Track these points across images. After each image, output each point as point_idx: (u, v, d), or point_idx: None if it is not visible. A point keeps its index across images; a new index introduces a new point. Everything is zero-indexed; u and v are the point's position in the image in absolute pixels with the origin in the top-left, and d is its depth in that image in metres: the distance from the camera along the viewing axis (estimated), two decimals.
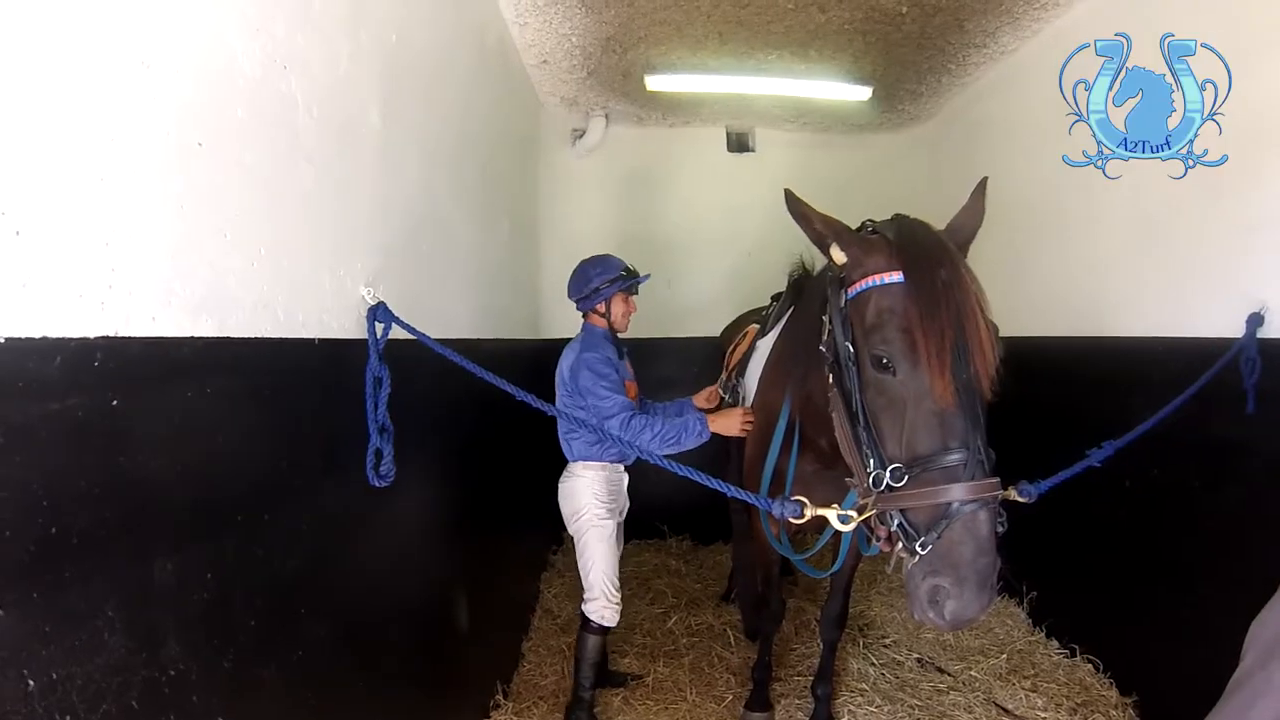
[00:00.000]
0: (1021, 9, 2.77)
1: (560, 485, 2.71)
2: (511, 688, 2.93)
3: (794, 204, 1.62)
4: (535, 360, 4.07)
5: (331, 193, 1.48)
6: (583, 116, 4.43)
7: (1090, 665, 2.92)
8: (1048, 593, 3.26)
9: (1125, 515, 2.71)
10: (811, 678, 2.98)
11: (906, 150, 4.52)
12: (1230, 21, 2.10)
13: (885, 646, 3.28)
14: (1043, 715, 2.65)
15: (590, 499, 2.61)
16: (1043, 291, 3.15)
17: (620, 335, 2.75)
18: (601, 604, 2.57)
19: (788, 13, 2.93)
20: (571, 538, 2.71)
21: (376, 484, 1.54)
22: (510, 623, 3.30)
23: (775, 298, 3.00)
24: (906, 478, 1.34)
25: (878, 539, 1.45)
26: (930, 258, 1.41)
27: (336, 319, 1.49)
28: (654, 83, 3.73)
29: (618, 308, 2.70)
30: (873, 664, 3.12)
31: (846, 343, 1.49)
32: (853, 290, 1.50)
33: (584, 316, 2.75)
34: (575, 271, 2.73)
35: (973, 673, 2.96)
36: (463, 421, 2.46)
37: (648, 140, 4.77)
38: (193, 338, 1.05)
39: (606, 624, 2.59)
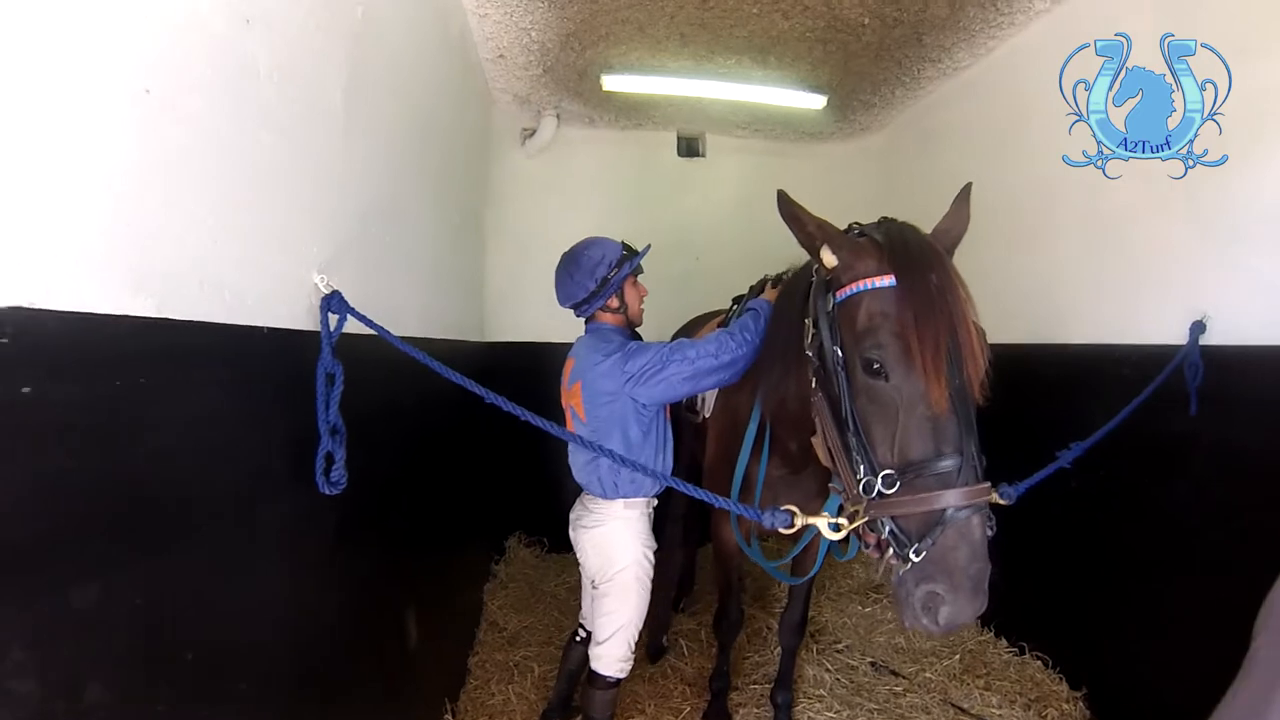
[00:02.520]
0: (978, 28, 2.85)
1: (588, 533, 2.22)
2: (459, 706, 2.76)
3: (786, 205, 1.56)
4: (481, 365, 3.93)
5: (289, 165, 1.34)
6: (534, 115, 4.31)
7: (1040, 662, 2.99)
8: (995, 593, 3.34)
9: (1069, 515, 2.80)
10: (767, 685, 2.95)
11: (855, 160, 4.61)
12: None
13: (838, 652, 3.28)
14: (998, 713, 2.70)
15: (640, 547, 2.20)
16: (996, 300, 3.25)
17: (638, 328, 2.39)
18: (622, 655, 2.21)
19: (751, 17, 2.92)
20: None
21: (327, 491, 1.38)
22: (456, 636, 3.13)
23: (737, 300, 2.96)
24: (899, 484, 1.33)
25: (866, 545, 1.42)
26: (921, 261, 1.40)
27: (287, 307, 1.34)
28: (610, 83, 3.66)
29: (631, 295, 2.27)
30: (828, 669, 3.11)
31: (835, 347, 1.46)
32: (842, 294, 1.48)
33: (590, 320, 2.30)
34: (565, 267, 2.25)
35: (927, 674, 2.99)
36: (408, 425, 2.29)
37: (598, 142, 4.70)
38: (127, 316, 0.90)
39: (622, 677, 2.25)
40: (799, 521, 1.37)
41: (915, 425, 1.33)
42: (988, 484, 1.32)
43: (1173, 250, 2.37)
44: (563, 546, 4.77)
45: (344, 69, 1.61)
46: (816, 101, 3.70)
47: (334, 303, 1.40)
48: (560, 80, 3.69)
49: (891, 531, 1.33)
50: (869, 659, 3.19)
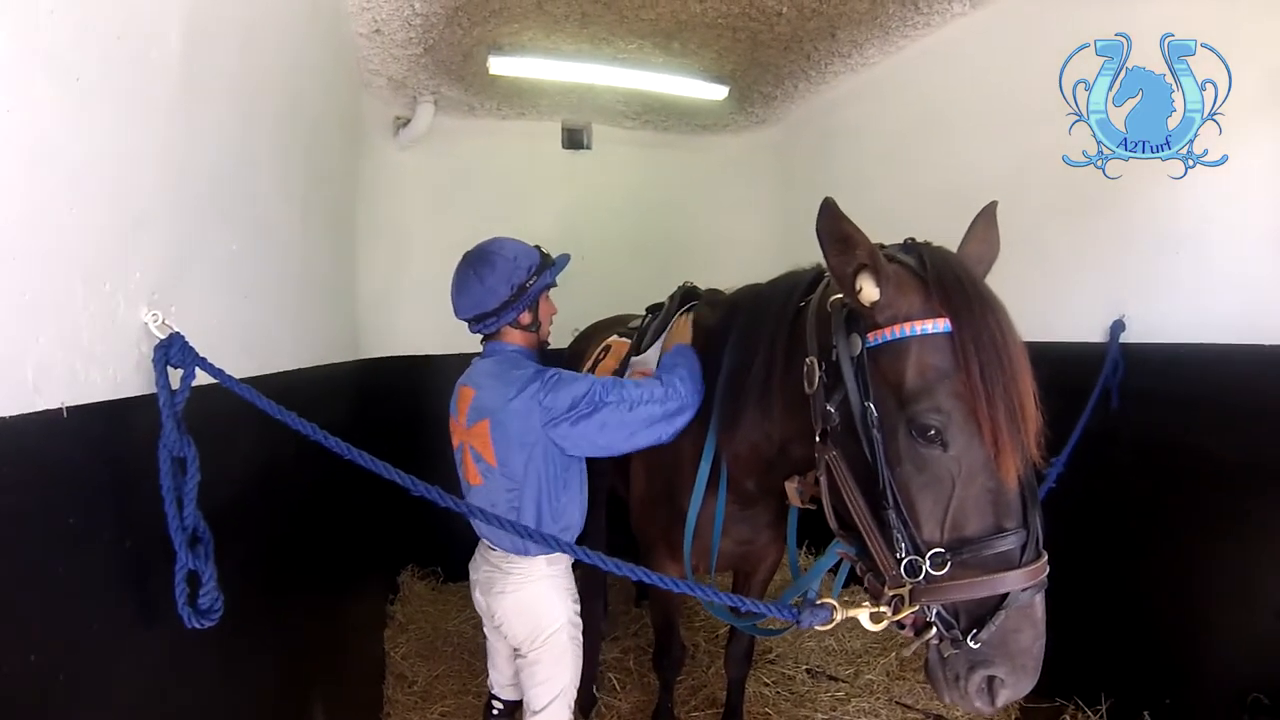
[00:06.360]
0: (895, 25, 2.81)
1: (507, 598, 1.89)
2: None
3: (832, 221, 1.23)
4: (358, 386, 3.42)
5: (96, 139, 0.95)
6: (409, 103, 3.80)
7: None
8: None
9: None
10: (708, 710, 2.83)
11: (750, 154, 4.54)
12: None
13: (771, 662, 3.21)
14: (943, 703, 2.72)
15: (570, 604, 1.93)
16: None
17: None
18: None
19: None
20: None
21: (196, 625, 1.00)
22: (364, 705, 2.68)
23: (652, 310, 2.72)
24: (949, 563, 1.15)
25: (900, 626, 1.22)
26: (980, 302, 1.17)
27: (99, 367, 0.94)
28: (498, 65, 3.28)
29: (544, 311, 1.96)
30: (766, 684, 3.02)
31: (868, 403, 1.21)
32: (877, 337, 1.22)
33: (491, 338, 1.96)
34: (473, 268, 1.86)
35: (868, 676, 2.99)
36: (283, 471, 1.81)
37: (478, 133, 4.28)
38: None
39: None
40: (838, 616, 1.16)
41: (975, 498, 1.15)
42: (1046, 555, 1.16)
43: (1096, 251, 2.44)
44: (459, 575, 4.38)
45: (184, 7, 1.20)
46: (718, 92, 3.55)
47: (175, 351, 1.01)
48: (442, 62, 3.25)
49: (939, 614, 1.16)
50: (804, 666, 3.14)
